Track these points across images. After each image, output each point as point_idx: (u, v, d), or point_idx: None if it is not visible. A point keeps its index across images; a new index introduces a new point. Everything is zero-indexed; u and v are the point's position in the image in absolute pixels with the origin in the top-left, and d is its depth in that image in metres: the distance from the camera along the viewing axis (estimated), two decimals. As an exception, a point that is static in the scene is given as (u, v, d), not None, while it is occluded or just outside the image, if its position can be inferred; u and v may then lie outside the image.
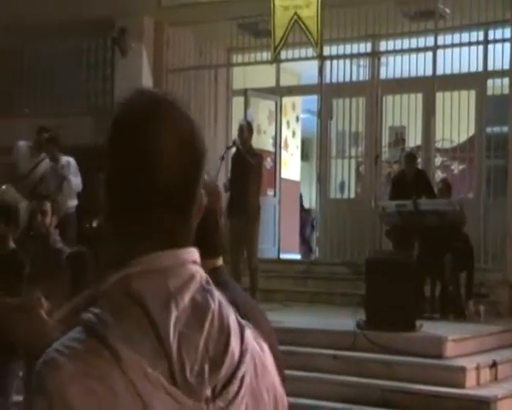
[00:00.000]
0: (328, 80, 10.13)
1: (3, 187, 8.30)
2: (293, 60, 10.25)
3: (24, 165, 8.80)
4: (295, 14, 9.02)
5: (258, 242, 8.10)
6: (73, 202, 8.81)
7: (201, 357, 1.12)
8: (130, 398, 1.06)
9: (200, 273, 1.17)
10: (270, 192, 10.77)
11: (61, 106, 11.06)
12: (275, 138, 10.98)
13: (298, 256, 11.83)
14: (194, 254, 1.18)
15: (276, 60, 9.73)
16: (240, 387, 1.14)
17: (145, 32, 10.14)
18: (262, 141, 10.64)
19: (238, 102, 10.87)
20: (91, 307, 1.13)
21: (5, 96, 11.52)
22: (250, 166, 7.96)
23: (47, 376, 1.09)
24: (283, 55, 9.87)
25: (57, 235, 5.81)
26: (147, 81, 10.11)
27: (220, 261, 1.99)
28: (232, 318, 1.18)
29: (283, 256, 10.67)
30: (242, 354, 1.16)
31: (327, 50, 9.75)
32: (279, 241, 10.67)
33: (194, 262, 1.17)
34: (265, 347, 1.23)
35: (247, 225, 7.83)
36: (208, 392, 1.11)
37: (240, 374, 1.14)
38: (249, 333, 1.20)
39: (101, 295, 1.15)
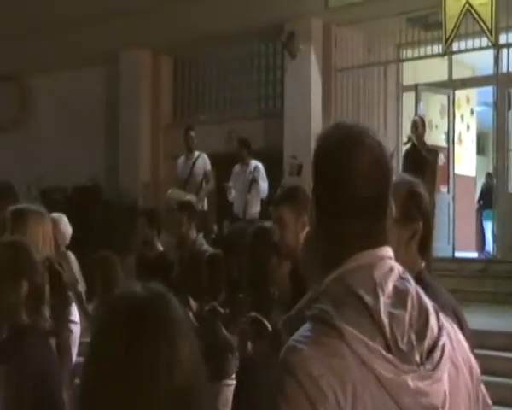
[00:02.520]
0: (504, 70, 9.49)
1: (170, 190, 8.57)
2: (466, 51, 9.69)
3: (181, 169, 9.02)
4: (467, 2, 8.52)
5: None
6: (257, 208, 8.68)
7: (408, 330, 1.38)
8: (357, 366, 1.34)
9: (397, 266, 1.44)
10: (444, 189, 10.29)
11: (234, 111, 11.22)
12: (447, 133, 10.48)
13: (474, 255, 11.22)
14: (389, 251, 1.45)
15: (447, 52, 9.27)
16: (442, 354, 1.38)
17: (313, 34, 10.03)
18: (434, 136, 10.17)
19: (408, 97, 10.49)
20: (311, 306, 1.42)
21: (184, 105, 11.90)
22: (426, 163, 7.64)
23: (292, 360, 1.37)
24: (455, 46, 9.37)
25: (202, 238, 5.99)
26: (316, 82, 10.01)
27: (423, 264, 2.17)
28: (427, 301, 1.43)
29: (458, 254, 10.15)
30: (440, 328, 1.41)
31: (503, 38, 9.14)
32: (453, 239, 10.16)
33: (390, 258, 1.45)
34: (457, 328, 1.49)
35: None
36: (417, 357, 1.37)
37: (440, 343, 1.39)
38: (442, 315, 1.44)
39: (321, 293, 1.43)
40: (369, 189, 1.43)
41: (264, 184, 8.63)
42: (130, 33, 10.97)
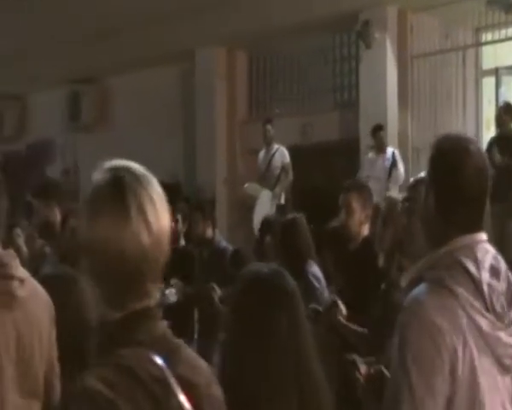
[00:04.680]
0: None
1: (246, 184, 8.43)
2: (550, 32, 9.12)
3: (260, 163, 8.88)
4: (551, -20, 7.98)
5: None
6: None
7: (500, 298, 1.80)
8: (465, 319, 1.76)
9: (491, 248, 1.89)
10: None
11: (309, 103, 10.94)
12: (531, 118, 9.88)
13: None
14: (484, 236, 1.91)
15: (530, 34, 8.74)
16: None
17: (388, 22, 9.62)
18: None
19: (488, 82, 9.93)
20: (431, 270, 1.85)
21: (259, 100, 11.71)
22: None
23: (417, 309, 1.78)
24: (538, 27, 8.84)
25: (219, 235, 6.14)
26: (391, 70, 9.61)
27: None
28: None
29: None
30: None
31: None
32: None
33: (486, 241, 1.89)
34: None
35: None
36: (507, 320, 1.81)
37: None
38: None
39: (435, 263, 1.86)
40: (474, 191, 1.88)
41: (402, 169, 8.37)
42: (205, 31, 10.83)
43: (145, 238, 1.40)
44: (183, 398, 1.38)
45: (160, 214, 1.44)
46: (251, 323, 1.86)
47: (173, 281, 5.45)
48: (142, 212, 1.42)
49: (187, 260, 5.70)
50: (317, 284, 4.22)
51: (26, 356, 2.49)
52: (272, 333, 1.85)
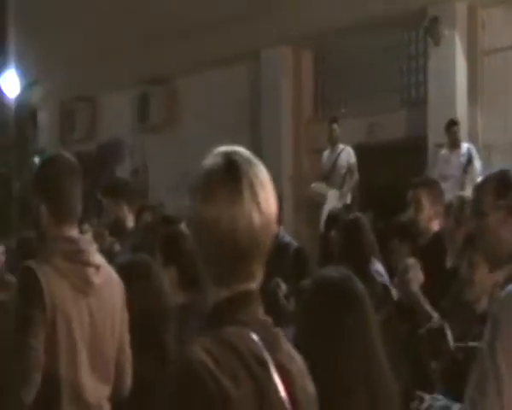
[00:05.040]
0: None
1: (313, 184, 8.39)
2: None
3: (325, 163, 8.80)
4: None
5: None
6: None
7: None
8: None
9: None
10: None
11: (375, 102, 10.80)
12: None
13: None
14: None
15: None
16: None
17: (458, 18, 9.41)
18: None
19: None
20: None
21: (325, 99, 11.64)
22: None
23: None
24: None
25: (283, 230, 6.14)
26: (461, 67, 9.39)
27: None
28: None
29: None
30: None
31: None
32: None
33: None
34: None
35: None
36: None
37: None
38: None
39: None
40: None
41: (478, 165, 8.15)
42: (271, 30, 10.82)
43: (256, 220, 1.44)
44: (279, 383, 1.38)
45: (269, 198, 1.48)
46: (321, 325, 1.93)
47: None
48: (253, 194, 1.46)
49: None
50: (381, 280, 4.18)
51: (99, 341, 2.54)
52: (341, 336, 1.90)
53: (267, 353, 1.40)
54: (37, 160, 12.76)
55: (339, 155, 8.83)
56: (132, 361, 2.61)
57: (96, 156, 13.36)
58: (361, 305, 1.96)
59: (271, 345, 1.43)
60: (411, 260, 3.42)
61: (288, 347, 1.51)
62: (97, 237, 6.26)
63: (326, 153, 9.11)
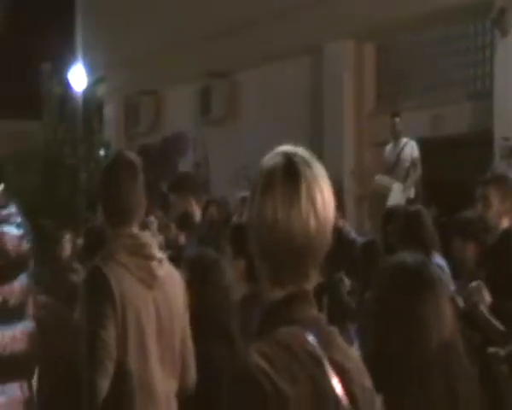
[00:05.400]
0: None
1: (377, 177, 8.29)
2: None
3: (388, 156, 8.67)
4: None
5: None
6: None
7: None
8: None
9: None
10: None
11: (439, 95, 10.60)
12: None
13: None
14: None
15: None
16: None
17: (525, 9, 9.17)
18: None
19: None
20: None
21: (388, 92, 11.49)
22: None
23: None
24: None
25: (348, 226, 6.06)
26: (529, 59, 9.14)
27: None
28: None
29: None
30: None
31: None
32: None
33: None
34: None
35: None
36: None
37: None
38: None
39: None
40: None
41: None
42: (333, 23, 10.74)
43: (312, 223, 1.44)
44: (335, 381, 1.37)
45: (326, 202, 1.48)
46: (395, 314, 1.88)
47: None
48: (311, 197, 1.46)
49: None
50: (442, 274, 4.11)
51: (166, 334, 2.53)
52: (417, 324, 1.85)
53: (322, 351, 1.40)
54: (102, 153, 13.02)
55: (402, 148, 8.71)
56: (200, 353, 2.61)
57: (160, 149, 13.51)
58: (437, 291, 1.91)
59: (326, 344, 1.43)
60: (475, 284, 3.37)
61: (343, 345, 1.50)
62: (163, 229, 6.37)
63: (389, 147, 9.01)
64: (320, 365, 1.39)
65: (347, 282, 5.08)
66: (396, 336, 1.84)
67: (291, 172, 1.49)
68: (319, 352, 1.40)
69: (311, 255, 1.47)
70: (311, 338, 1.41)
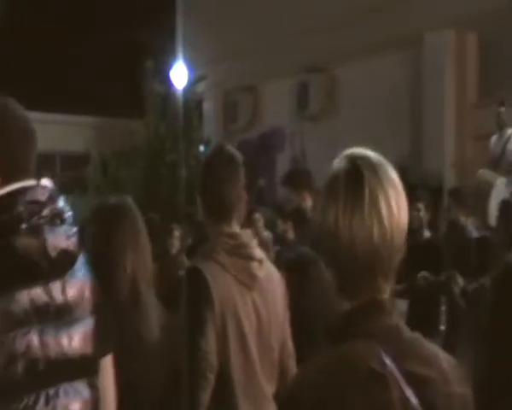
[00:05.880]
0: None
1: (480, 171, 7.98)
2: None
3: (493, 149, 8.34)
4: None
5: None
6: None
7: None
8: None
9: None
10: None
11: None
12: None
13: None
14: None
15: None
16: None
17: None
18: None
19: None
20: None
21: (491, 82, 11.08)
22: None
23: None
24: None
25: (471, 223, 5.80)
26: None
27: None
28: None
29: None
30: None
31: None
32: None
33: None
34: None
35: None
36: None
37: None
38: None
39: None
40: None
41: None
42: (434, 13, 10.46)
43: (376, 232, 1.36)
44: (410, 393, 1.31)
45: (393, 208, 1.39)
46: (507, 321, 1.77)
47: (421, 273, 5.28)
48: (375, 204, 1.38)
49: (433, 252, 5.43)
50: None
51: (264, 338, 2.47)
52: None
53: (393, 364, 1.33)
54: (202, 149, 13.23)
55: (508, 139, 8.36)
56: (301, 356, 2.54)
57: (258, 145, 13.59)
58: None
59: (401, 354, 1.35)
60: None
61: (427, 352, 1.41)
62: (268, 225, 6.35)
63: (494, 138, 8.66)
64: (384, 379, 1.31)
65: (461, 281, 4.85)
66: (508, 352, 1.76)
67: (353, 177, 1.41)
68: (387, 366, 1.33)
69: (379, 268, 1.39)
70: (379, 351, 1.34)
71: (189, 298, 2.41)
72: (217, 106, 14.99)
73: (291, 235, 5.19)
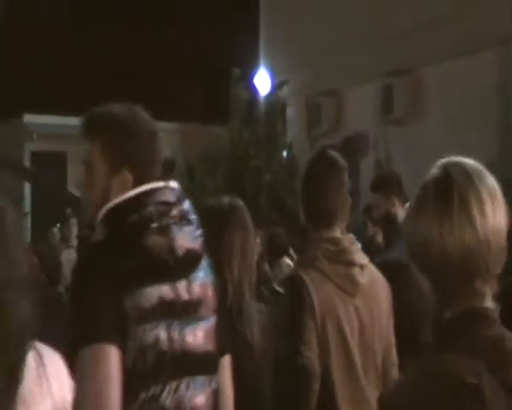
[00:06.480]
0: None
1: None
2: None
3: None
4: None
5: None
6: None
7: None
8: None
9: None
10: None
11: None
12: None
13: None
14: None
15: None
16: None
17: None
18: None
19: None
20: None
21: None
22: None
23: None
24: None
25: None
26: None
27: None
28: None
29: None
30: None
31: None
32: None
33: None
34: None
35: None
36: None
37: None
38: None
39: None
40: None
41: None
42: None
43: (468, 236, 1.33)
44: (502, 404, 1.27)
45: (487, 213, 1.35)
46: None
47: None
48: (465, 209, 1.35)
49: None
50: None
51: (367, 344, 2.46)
52: None
53: (491, 378, 1.26)
54: (285, 154, 13.24)
55: None
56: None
57: (341, 149, 13.46)
58: None
59: (504, 368, 1.29)
60: None
61: None
62: (357, 228, 6.27)
63: None
64: (479, 395, 1.25)
65: None
66: None
67: (443, 183, 1.39)
68: (482, 381, 1.26)
69: (474, 267, 1.35)
70: (475, 367, 1.28)
71: (291, 307, 2.41)
72: (300, 111, 14.98)
73: (380, 239, 5.11)
